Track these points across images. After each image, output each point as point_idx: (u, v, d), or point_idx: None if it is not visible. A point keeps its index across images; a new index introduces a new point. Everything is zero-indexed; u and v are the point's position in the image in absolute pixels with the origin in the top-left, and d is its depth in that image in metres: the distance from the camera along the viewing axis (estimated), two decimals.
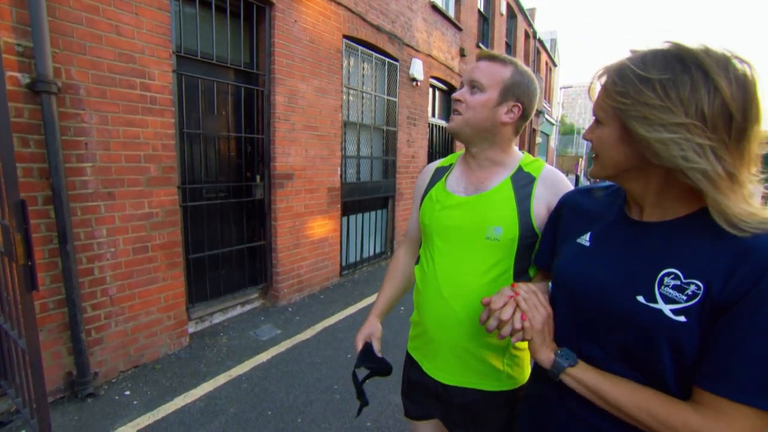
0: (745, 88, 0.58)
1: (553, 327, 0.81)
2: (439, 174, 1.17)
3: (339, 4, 4.15)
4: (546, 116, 17.23)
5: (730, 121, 0.57)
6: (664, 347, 0.62)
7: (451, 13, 7.02)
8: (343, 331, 3.41)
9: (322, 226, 4.28)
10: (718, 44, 0.60)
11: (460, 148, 1.57)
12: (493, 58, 1.03)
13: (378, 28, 4.81)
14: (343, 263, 4.78)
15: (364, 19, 4.55)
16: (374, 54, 4.91)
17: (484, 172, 1.07)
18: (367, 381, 1.15)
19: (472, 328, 1.00)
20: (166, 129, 2.77)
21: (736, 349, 0.57)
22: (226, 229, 3.54)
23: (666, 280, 0.63)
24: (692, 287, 0.61)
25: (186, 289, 3.04)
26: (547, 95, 18.32)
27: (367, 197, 5.06)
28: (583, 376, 0.71)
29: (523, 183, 1.02)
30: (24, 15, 2.04)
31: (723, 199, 0.59)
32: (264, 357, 2.93)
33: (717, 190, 0.59)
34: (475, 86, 1.01)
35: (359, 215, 5.05)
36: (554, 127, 21.56)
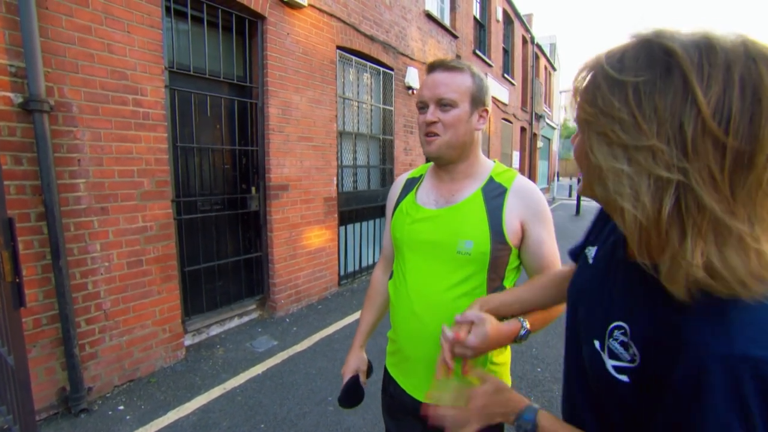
0: (756, 95, 0.41)
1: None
2: (410, 186, 1.14)
3: (332, 15, 4.20)
4: (547, 120, 17.23)
5: (724, 143, 0.41)
6: (611, 402, 0.57)
7: (447, 21, 7.08)
8: (340, 341, 3.41)
9: (319, 236, 4.29)
10: (727, 28, 0.43)
11: None
12: (449, 68, 0.98)
13: (372, 38, 4.86)
14: (342, 273, 4.78)
15: (357, 30, 4.60)
16: (369, 63, 4.95)
17: (456, 184, 1.05)
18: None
19: None
20: (159, 143, 2.81)
21: None
22: (222, 241, 3.56)
23: (615, 333, 0.56)
24: (633, 349, 0.52)
25: (182, 302, 3.06)
26: (547, 99, 18.35)
27: (364, 206, 5.07)
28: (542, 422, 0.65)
29: (494, 194, 1.00)
30: (16, 37, 2.09)
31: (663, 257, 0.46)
32: (259, 369, 2.92)
33: (644, 243, 0.47)
34: (445, 103, 0.97)
35: (357, 224, 5.06)
36: (556, 131, 21.56)
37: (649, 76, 0.44)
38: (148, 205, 2.76)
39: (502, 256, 0.97)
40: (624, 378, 0.53)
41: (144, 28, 2.66)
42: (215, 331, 3.44)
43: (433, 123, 0.98)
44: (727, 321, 0.44)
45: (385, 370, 1.20)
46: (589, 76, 0.51)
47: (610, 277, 0.61)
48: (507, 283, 1.01)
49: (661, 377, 0.48)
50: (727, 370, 0.42)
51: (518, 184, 1.01)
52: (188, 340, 3.18)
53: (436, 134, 0.98)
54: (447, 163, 1.03)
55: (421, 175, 1.15)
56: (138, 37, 2.63)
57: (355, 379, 1.20)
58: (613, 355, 0.55)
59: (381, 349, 2.74)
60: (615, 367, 0.55)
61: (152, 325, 2.80)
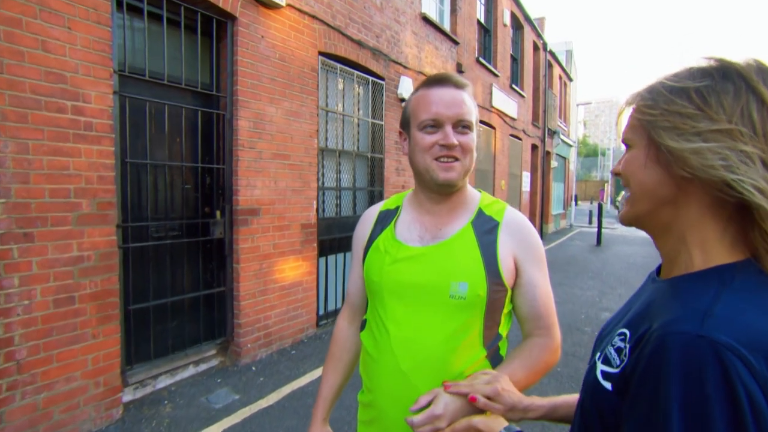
0: None
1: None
2: (385, 219, 1.11)
3: (313, 17, 4.18)
4: (562, 136, 17.33)
5: None
6: (593, 411, 0.62)
7: (446, 26, 7.15)
8: (314, 395, 3.16)
9: (295, 269, 4.15)
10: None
11: None
12: (459, 85, 0.99)
13: (360, 44, 4.85)
14: (321, 311, 4.63)
15: (343, 34, 4.59)
16: (356, 72, 4.94)
17: (443, 217, 1.03)
18: None
19: None
20: (104, 159, 2.69)
21: None
22: (178, 273, 3.40)
23: (616, 339, 0.62)
24: (624, 354, 0.58)
25: (123, 348, 2.88)
26: (563, 113, 18.53)
27: (348, 234, 4.90)
28: None
29: (485, 229, 1.00)
30: None
31: None
32: (214, 431, 2.71)
33: None
34: (464, 125, 0.98)
35: (340, 255, 4.94)
36: (573, 149, 21.70)
37: (708, 82, 0.57)
38: (87, 230, 2.61)
39: (499, 298, 0.97)
40: (608, 385, 0.58)
41: (89, 24, 2.57)
42: (164, 382, 3.22)
43: (453, 146, 0.96)
44: (702, 309, 0.51)
45: None
46: (644, 93, 0.63)
47: (635, 298, 0.70)
48: (502, 330, 1.01)
49: (631, 374, 0.53)
50: (687, 350, 0.47)
51: (510, 217, 1.03)
52: (128, 396, 2.96)
53: (456, 158, 0.97)
54: (452, 192, 1.02)
55: (397, 207, 1.13)
56: (81, 35, 2.54)
57: None
58: (605, 361, 0.61)
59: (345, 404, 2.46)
60: (603, 373, 0.60)
61: (81, 378, 2.58)
